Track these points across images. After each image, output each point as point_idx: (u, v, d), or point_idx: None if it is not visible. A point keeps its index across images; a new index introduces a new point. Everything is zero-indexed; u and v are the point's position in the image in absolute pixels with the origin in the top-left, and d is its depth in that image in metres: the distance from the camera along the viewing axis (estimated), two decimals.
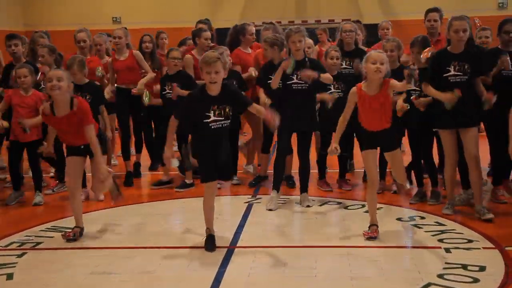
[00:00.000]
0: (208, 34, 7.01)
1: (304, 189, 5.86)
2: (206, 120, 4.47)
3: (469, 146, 5.19)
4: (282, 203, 5.93)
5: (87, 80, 6.13)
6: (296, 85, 5.70)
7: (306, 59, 5.80)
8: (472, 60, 5.14)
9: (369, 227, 4.83)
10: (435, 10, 6.64)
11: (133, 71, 6.89)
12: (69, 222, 5.34)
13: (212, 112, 4.47)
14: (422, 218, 5.34)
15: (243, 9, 16.25)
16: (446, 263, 4.22)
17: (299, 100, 5.68)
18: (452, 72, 5.12)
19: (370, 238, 4.73)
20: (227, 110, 4.51)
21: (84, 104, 4.83)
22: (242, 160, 7.31)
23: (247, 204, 5.94)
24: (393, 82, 4.67)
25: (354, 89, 4.80)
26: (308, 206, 5.74)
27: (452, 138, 5.29)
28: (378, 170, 4.97)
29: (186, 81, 6.41)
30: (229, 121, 4.58)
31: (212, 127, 4.50)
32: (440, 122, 5.30)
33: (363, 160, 4.89)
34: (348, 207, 5.75)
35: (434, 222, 5.18)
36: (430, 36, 6.39)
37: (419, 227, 5.08)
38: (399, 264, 4.29)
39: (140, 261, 4.45)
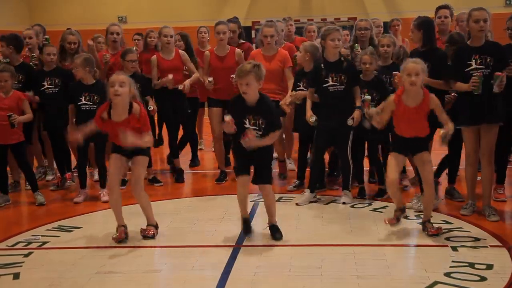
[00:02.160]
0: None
1: (345, 186, 5.85)
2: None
3: (484, 142, 5.11)
4: (288, 201, 5.92)
5: (94, 80, 6.14)
6: (332, 87, 5.70)
7: (342, 58, 5.79)
8: (494, 53, 5.05)
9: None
10: (446, 7, 6.59)
11: (179, 71, 6.81)
12: (74, 222, 5.36)
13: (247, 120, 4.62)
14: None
15: (247, 8, 16.24)
16: (453, 261, 4.20)
17: (336, 101, 5.66)
18: (474, 66, 5.05)
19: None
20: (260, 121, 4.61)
21: (143, 111, 4.76)
22: None
23: (253, 203, 5.93)
24: (433, 99, 4.65)
25: (392, 97, 4.76)
26: (344, 203, 5.73)
27: (473, 136, 5.18)
28: (397, 174, 4.93)
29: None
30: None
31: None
32: (461, 120, 5.22)
33: (388, 160, 4.89)
34: (354, 206, 5.74)
35: (441, 220, 5.15)
36: (440, 33, 6.35)
37: None
38: (406, 263, 4.28)
39: (145, 260, 4.45)
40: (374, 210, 5.55)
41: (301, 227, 5.13)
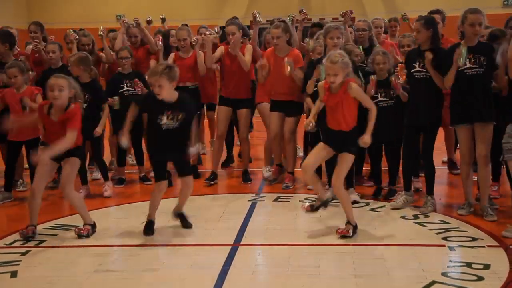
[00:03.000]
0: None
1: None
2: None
3: (479, 142, 5.13)
4: (286, 201, 5.92)
5: (89, 79, 6.16)
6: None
7: None
8: (487, 53, 5.07)
9: None
10: (437, 12, 6.57)
11: (194, 70, 6.79)
12: (72, 220, 5.35)
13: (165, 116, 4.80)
14: (426, 216, 5.32)
15: (247, 7, 16.24)
16: (450, 261, 4.22)
17: None
18: (468, 65, 5.08)
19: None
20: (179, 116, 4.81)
21: (74, 110, 4.86)
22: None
23: (250, 202, 5.94)
24: (352, 87, 4.71)
25: (322, 83, 4.87)
26: (355, 201, 5.63)
27: (467, 135, 5.20)
28: (315, 162, 4.97)
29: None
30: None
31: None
32: (453, 118, 5.24)
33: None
34: (352, 205, 5.72)
35: (439, 220, 5.17)
36: None
37: (423, 225, 5.07)
38: (404, 262, 4.27)
39: (143, 259, 4.45)
40: (372, 209, 5.56)
41: (299, 227, 5.14)
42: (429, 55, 5.22)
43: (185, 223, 5.15)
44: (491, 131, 5.13)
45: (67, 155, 4.88)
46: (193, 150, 4.97)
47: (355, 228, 4.81)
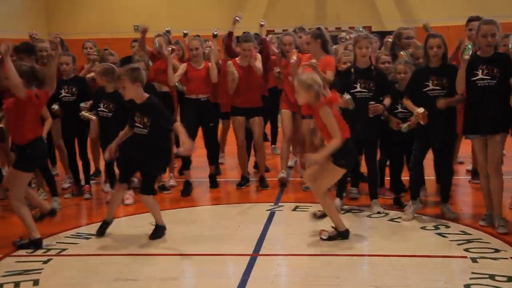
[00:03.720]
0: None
1: (374, 195, 5.86)
2: None
3: (491, 153, 5.09)
4: (304, 211, 5.91)
5: (113, 90, 6.21)
6: (359, 93, 5.69)
7: (372, 67, 5.79)
8: (502, 64, 5.02)
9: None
10: (477, 19, 6.51)
11: (207, 81, 6.77)
12: (93, 229, 5.39)
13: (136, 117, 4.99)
14: (447, 227, 5.27)
15: (263, 16, 16.25)
16: (472, 273, 4.16)
17: (362, 108, 5.55)
18: (480, 76, 5.05)
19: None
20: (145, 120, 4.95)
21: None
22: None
23: (269, 212, 5.93)
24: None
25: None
26: (378, 212, 5.72)
27: (480, 146, 5.16)
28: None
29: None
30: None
31: None
32: (465, 129, 5.23)
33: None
34: (371, 216, 5.71)
35: (460, 231, 5.12)
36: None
37: (444, 236, 5.02)
38: (425, 274, 4.23)
39: (163, 268, 4.47)
40: (392, 220, 5.53)
41: (317, 237, 5.11)
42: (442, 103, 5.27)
43: (152, 234, 5.15)
44: (503, 141, 5.10)
45: None
46: (181, 150, 5.01)
47: (341, 234, 4.93)
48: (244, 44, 6.77)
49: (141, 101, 4.97)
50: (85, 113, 6.26)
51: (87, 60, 7.33)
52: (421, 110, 5.24)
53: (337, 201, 5.86)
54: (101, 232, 5.20)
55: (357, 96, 5.66)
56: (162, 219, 5.19)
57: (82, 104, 6.36)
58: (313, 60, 6.21)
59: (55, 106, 6.40)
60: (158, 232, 5.14)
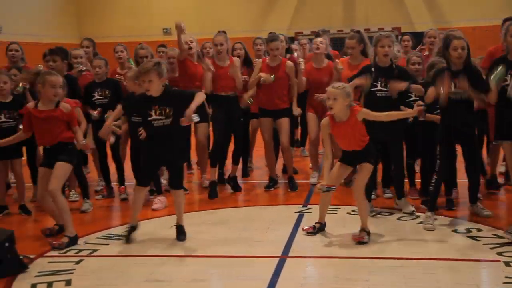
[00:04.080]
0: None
1: (400, 195, 5.86)
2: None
3: None
4: (333, 213, 5.89)
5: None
6: (380, 92, 5.66)
7: (394, 66, 5.77)
8: None
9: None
10: None
11: (233, 78, 6.83)
12: (123, 230, 5.44)
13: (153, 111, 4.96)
14: (480, 230, 5.19)
15: (291, 18, 16.31)
16: (506, 277, 4.08)
17: (381, 108, 5.28)
18: (509, 82, 4.96)
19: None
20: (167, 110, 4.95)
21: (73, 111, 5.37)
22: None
23: (297, 214, 5.92)
24: (362, 112, 4.88)
25: (325, 121, 4.98)
26: (413, 212, 5.73)
27: (510, 150, 5.09)
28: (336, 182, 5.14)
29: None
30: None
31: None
32: (498, 134, 5.14)
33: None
34: (401, 218, 5.66)
35: (493, 234, 5.03)
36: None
37: (477, 240, 4.95)
38: (456, 278, 4.17)
39: (192, 269, 4.49)
40: (422, 223, 5.45)
41: (347, 239, 5.09)
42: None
43: (179, 236, 5.18)
44: None
45: (59, 159, 5.19)
46: (183, 119, 4.88)
47: (368, 233, 4.98)
48: (271, 43, 6.78)
49: (158, 94, 4.97)
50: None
51: (119, 64, 7.41)
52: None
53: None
54: (127, 239, 5.14)
55: (378, 94, 5.63)
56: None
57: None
58: (340, 66, 6.28)
59: (94, 113, 6.52)
60: (183, 231, 5.18)
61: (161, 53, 8.16)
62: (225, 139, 7.05)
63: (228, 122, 6.90)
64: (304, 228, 5.28)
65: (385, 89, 5.65)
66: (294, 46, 8.11)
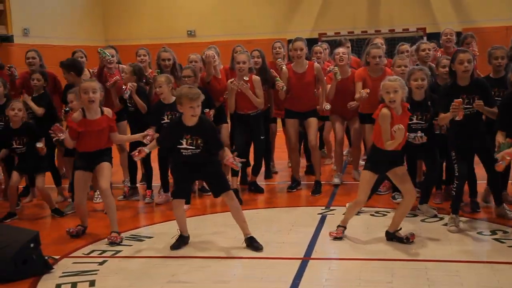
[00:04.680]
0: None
1: (498, 202, 5.62)
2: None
3: None
4: (356, 214, 5.84)
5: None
6: (415, 125, 5.59)
7: (427, 98, 5.66)
8: None
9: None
10: None
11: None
12: (146, 231, 5.51)
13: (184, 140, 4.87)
14: (505, 232, 5.12)
15: (315, 20, 16.24)
16: None
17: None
18: None
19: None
20: (199, 141, 4.88)
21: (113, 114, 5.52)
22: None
23: (320, 215, 5.90)
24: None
25: (386, 111, 4.79)
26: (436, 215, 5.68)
27: None
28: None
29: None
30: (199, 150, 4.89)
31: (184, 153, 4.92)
32: None
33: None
34: (425, 220, 5.60)
35: None
36: None
37: (502, 242, 4.88)
38: (481, 280, 4.12)
39: (215, 271, 4.51)
40: (445, 225, 5.39)
41: (370, 241, 5.06)
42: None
43: (254, 247, 4.95)
44: None
45: (100, 161, 5.34)
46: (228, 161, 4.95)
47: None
48: (295, 43, 6.80)
49: (193, 123, 4.89)
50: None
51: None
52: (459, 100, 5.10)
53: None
54: (175, 246, 5.03)
55: (413, 127, 5.55)
56: None
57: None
58: (365, 94, 6.33)
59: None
60: (254, 243, 4.98)
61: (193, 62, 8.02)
62: (245, 152, 6.89)
63: (250, 139, 6.90)
64: (331, 233, 5.15)
65: (421, 122, 5.61)
66: (318, 48, 8.05)
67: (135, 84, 6.55)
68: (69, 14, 15.48)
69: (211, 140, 4.95)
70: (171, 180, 6.68)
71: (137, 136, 5.57)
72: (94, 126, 5.29)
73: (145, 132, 5.48)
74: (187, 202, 5.19)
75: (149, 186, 6.94)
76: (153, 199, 6.82)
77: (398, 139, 4.65)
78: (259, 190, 7.06)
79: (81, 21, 16.02)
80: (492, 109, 5.22)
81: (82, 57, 7.40)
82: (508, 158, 4.56)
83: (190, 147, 4.87)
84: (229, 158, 4.95)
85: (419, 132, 5.44)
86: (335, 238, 5.05)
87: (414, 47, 6.89)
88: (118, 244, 5.15)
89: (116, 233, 5.25)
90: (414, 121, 5.59)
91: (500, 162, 4.60)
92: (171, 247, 5.02)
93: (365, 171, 4.94)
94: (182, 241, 5.08)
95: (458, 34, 7.91)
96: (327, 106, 6.87)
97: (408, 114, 4.89)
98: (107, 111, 5.44)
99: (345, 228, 5.14)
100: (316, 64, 6.97)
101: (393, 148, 4.74)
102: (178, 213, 5.08)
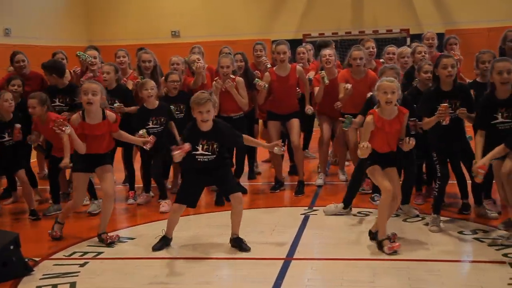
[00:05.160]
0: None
1: (478, 201, 5.69)
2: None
3: None
4: (339, 214, 5.87)
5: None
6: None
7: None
8: None
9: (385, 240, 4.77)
10: None
11: (233, 99, 6.67)
12: (129, 232, 5.47)
13: (200, 146, 4.81)
14: (485, 232, 5.17)
15: (299, 20, 16.26)
16: (511, 278, 4.06)
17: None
18: None
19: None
20: (215, 146, 4.83)
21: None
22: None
23: (303, 216, 5.91)
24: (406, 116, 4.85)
25: (370, 118, 4.81)
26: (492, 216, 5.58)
27: None
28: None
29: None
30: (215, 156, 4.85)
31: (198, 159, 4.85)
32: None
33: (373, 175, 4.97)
34: (407, 220, 5.63)
35: (498, 236, 5.00)
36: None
37: (482, 241, 4.92)
38: (461, 279, 4.16)
39: (197, 272, 4.49)
40: (427, 224, 5.42)
41: (352, 241, 5.07)
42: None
43: (242, 247, 4.94)
44: None
45: (102, 163, 5.27)
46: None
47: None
48: (278, 47, 6.79)
49: (209, 128, 4.84)
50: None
51: (121, 70, 7.23)
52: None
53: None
54: (157, 247, 5.00)
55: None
56: None
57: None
58: (349, 86, 6.33)
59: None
60: (240, 242, 4.97)
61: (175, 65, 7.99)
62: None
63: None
64: (388, 247, 4.71)
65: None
66: (301, 49, 8.06)
67: (121, 104, 6.54)
68: (51, 14, 15.33)
69: (229, 140, 4.93)
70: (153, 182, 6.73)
71: (139, 140, 5.51)
72: (94, 131, 5.16)
73: (148, 138, 5.44)
74: (193, 207, 5.12)
75: (132, 187, 6.91)
76: (136, 200, 6.78)
77: (362, 155, 4.70)
78: (243, 191, 7.04)
79: (64, 22, 15.88)
80: (472, 114, 5.24)
81: (63, 59, 7.34)
82: (482, 171, 4.67)
83: (206, 153, 4.81)
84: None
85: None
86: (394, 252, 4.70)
87: (401, 49, 6.90)
88: (117, 242, 5.16)
89: (105, 234, 5.20)
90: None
91: (478, 176, 4.71)
92: (153, 248, 4.99)
93: (370, 168, 4.90)
94: (164, 242, 5.05)
95: (441, 35, 7.95)
96: (309, 111, 6.92)
97: (401, 120, 4.82)
98: (110, 115, 5.28)
99: (392, 234, 4.86)
100: (298, 67, 6.96)
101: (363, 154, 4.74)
102: (174, 217, 5.02)
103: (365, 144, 4.65)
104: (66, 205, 5.72)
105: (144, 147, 5.46)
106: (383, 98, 4.74)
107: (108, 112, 5.30)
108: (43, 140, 6.53)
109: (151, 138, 5.48)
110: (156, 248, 4.99)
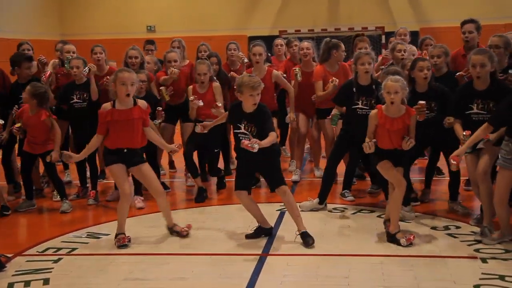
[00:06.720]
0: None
1: (453, 197, 5.80)
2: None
3: None
4: (315, 210, 5.91)
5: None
6: (361, 110, 5.70)
7: (374, 85, 5.69)
8: None
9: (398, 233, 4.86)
10: (471, 21, 6.45)
11: (211, 104, 6.45)
12: (102, 229, 5.43)
13: (242, 125, 4.92)
14: (458, 227, 5.25)
15: (275, 17, 16.32)
16: (482, 273, 4.14)
17: (363, 125, 5.13)
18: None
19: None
20: (253, 128, 4.92)
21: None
22: None
23: (279, 212, 5.93)
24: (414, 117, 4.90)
25: (375, 111, 4.93)
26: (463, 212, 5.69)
27: None
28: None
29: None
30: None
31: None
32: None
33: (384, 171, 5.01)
34: (382, 216, 5.69)
35: (470, 231, 5.08)
36: (467, 49, 6.27)
37: (455, 237, 5.00)
38: (434, 274, 4.21)
39: (173, 268, 4.48)
40: (402, 220, 5.48)
41: (328, 237, 5.11)
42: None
43: (305, 241, 4.90)
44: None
45: (139, 162, 5.16)
46: (246, 143, 4.66)
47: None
48: (254, 48, 6.80)
49: (251, 110, 4.91)
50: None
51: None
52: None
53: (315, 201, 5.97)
54: (251, 236, 5.12)
55: (359, 112, 5.71)
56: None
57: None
58: (336, 80, 6.38)
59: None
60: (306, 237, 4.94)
61: (149, 51, 8.08)
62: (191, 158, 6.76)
63: (203, 148, 6.80)
64: (406, 239, 4.79)
65: (366, 107, 5.67)
66: (279, 41, 8.09)
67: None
68: (24, 7, 15.12)
69: (265, 125, 4.90)
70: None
71: (167, 147, 5.43)
72: (124, 116, 4.94)
73: (175, 147, 5.35)
74: (249, 192, 5.20)
75: (94, 187, 6.74)
76: (98, 200, 6.61)
77: (367, 151, 4.88)
78: (222, 186, 7.06)
79: (37, 15, 15.67)
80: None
81: (29, 50, 7.27)
82: (454, 162, 4.78)
83: (247, 132, 4.91)
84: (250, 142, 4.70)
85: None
86: (410, 244, 4.77)
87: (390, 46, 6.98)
88: (126, 245, 4.96)
89: (122, 235, 5.02)
90: (360, 106, 5.71)
91: (452, 166, 4.87)
92: (246, 236, 5.13)
93: (380, 163, 4.93)
94: (261, 232, 5.16)
95: (416, 33, 8.05)
96: (288, 120, 6.99)
97: (406, 120, 4.85)
98: (141, 102, 5.11)
99: (409, 233, 4.93)
100: (274, 72, 6.87)
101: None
102: (246, 205, 5.22)
103: (367, 145, 4.84)
104: (118, 206, 5.16)
105: (170, 153, 5.68)
106: (387, 98, 4.82)
107: (140, 100, 5.16)
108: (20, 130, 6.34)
109: (178, 147, 5.39)
110: (250, 236, 5.12)
